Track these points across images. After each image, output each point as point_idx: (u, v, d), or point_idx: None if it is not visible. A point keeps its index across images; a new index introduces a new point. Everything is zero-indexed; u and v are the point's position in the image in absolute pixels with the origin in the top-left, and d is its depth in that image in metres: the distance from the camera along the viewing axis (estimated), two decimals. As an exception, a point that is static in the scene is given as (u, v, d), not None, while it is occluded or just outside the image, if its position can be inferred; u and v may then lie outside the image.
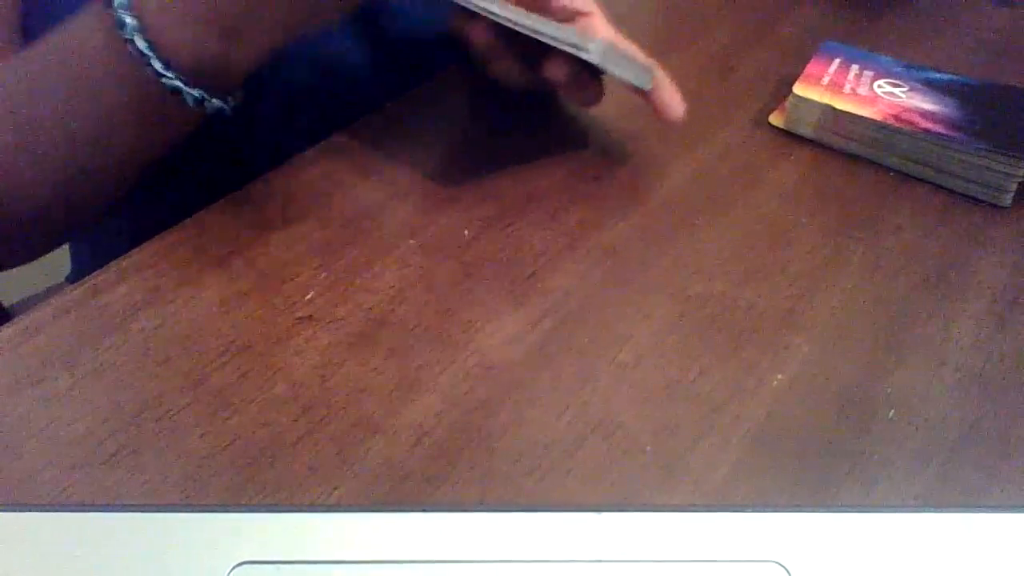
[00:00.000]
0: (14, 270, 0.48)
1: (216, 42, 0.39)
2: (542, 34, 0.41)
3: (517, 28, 0.41)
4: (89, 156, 0.41)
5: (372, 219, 0.42)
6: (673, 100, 0.45)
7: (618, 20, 0.48)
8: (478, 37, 0.46)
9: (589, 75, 0.46)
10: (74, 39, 0.40)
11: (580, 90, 0.47)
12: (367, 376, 0.34)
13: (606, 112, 0.52)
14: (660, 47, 0.48)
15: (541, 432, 0.32)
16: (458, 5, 0.43)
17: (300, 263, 0.39)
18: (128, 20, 0.37)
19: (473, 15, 0.44)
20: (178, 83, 0.39)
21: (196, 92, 0.39)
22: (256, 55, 0.40)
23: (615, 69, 0.43)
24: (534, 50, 0.44)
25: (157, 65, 0.38)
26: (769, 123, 0.52)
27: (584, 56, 0.40)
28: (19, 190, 0.41)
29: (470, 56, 0.49)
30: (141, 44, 0.38)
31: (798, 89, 0.50)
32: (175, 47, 0.38)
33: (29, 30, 0.47)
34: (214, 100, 0.40)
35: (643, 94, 0.45)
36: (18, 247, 0.47)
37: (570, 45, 0.41)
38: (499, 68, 0.48)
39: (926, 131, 0.47)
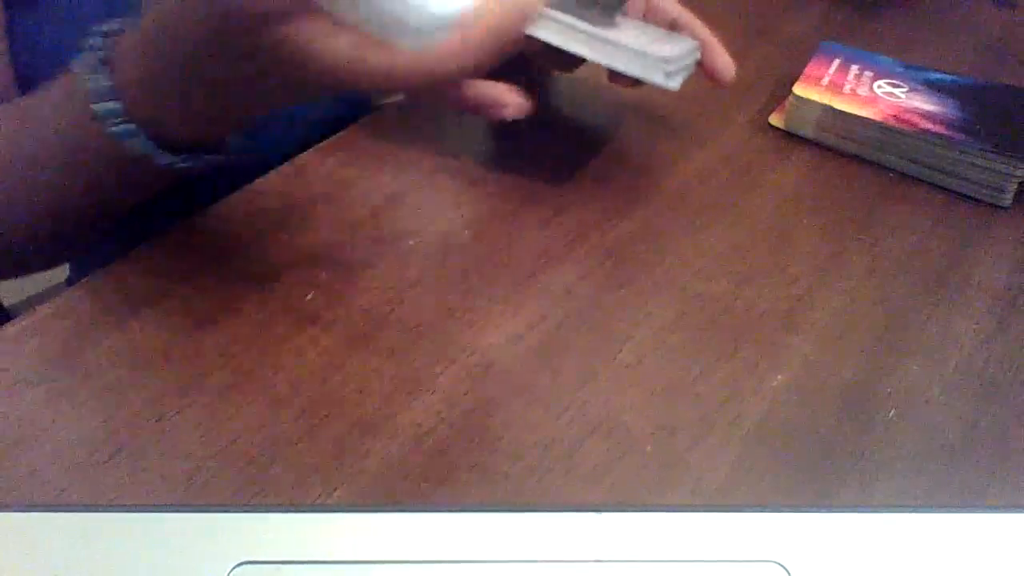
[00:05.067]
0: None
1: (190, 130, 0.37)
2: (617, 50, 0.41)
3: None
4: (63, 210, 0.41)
5: (372, 219, 0.42)
6: (727, 65, 0.46)
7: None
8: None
9: None
10: (50, 107, 0.39)
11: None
12: (367, 376, 0.34)
13: (607, 112, 0.52)
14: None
15: (541, 432, 0.32)
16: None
17: (300, 263, 0.39)
18: (108, 103, 0.35)
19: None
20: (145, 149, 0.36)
21: (166, 159, 0.37)
22: (225, 132, 0.39)
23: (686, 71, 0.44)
24: None
25: (136, 143, 0.36)
26: (769, 124, 0.52)
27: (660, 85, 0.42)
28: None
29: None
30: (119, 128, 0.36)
31: (798, 89, 0.50)
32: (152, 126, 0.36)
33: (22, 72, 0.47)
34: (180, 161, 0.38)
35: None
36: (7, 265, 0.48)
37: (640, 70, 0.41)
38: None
39: (926, 131, 0.47)
